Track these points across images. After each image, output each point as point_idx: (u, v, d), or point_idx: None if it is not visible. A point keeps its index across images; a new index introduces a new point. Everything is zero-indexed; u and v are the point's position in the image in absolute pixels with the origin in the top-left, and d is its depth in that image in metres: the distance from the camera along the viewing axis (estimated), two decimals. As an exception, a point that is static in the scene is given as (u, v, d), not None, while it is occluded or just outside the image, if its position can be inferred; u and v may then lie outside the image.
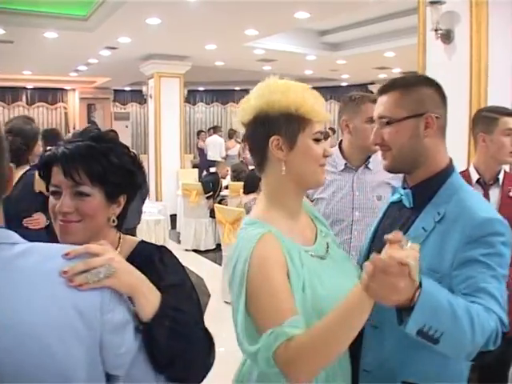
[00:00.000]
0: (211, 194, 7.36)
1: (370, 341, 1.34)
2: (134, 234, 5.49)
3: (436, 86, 1.38)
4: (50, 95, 14.55)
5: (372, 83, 12.43)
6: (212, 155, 11.10)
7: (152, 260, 1.22)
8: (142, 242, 1.33)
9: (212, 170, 8.05)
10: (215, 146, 11.19)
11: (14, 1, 6.28)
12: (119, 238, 1.31)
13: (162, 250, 1.28)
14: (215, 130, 11.85)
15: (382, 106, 1.39)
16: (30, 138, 3.21)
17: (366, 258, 1.42)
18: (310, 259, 1.30)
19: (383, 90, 1.40)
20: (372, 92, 10.93)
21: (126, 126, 15.04)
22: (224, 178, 7.85)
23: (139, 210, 5.39)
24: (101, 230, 1.25)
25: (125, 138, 13.74)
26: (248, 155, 11.10)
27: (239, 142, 11.92)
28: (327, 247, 1.39)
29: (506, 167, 2.51)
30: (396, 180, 2.22)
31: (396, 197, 1.42)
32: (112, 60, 9.42)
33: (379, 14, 7.30)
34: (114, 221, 1.26)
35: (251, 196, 5.44)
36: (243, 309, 1.19)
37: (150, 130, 9.96)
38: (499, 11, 3.44)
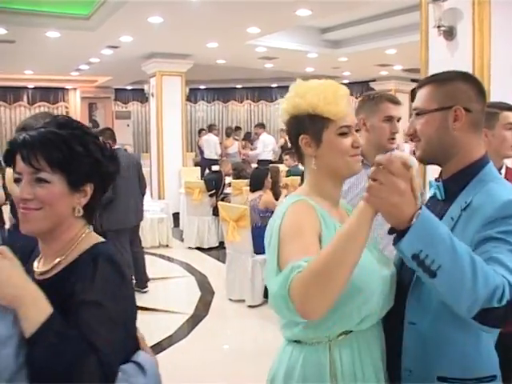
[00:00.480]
0: (214, 191, 7.39)
1: (408, 338, 1.34)
2: (137, 232, 5.48)
3: (473, 82, 1.39)
4: (51, 95, 14.57)
5: (373, 80, 12.40)
6: (208, 154, 11.18)
7: (84, 269, 1.12)
8: (99, 244, 1.21)
9: (215, 168, 8.08)
10: (210, 145, 11.26)
11: (15, 0, 6.29)
12: (82, 233, 1.22)
13: (101, 261, 1.13)
14: (210, 128, 11.95)
15: (417, 99, 1.43)
16: None
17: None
18: None
19: (421, 84, 1.44)
20: (373, 89, 10.92)
21: (128, 125, 15.06)
22: (228, 175, 7.89)
23: (139, 208, 5.33)
24: (64, 220, 1.19)
25: (126, 137, 13.77)
26: (249, 153, 11.15)
27: (237, 140, 11.92)
28: None
29: (508, 162, 2.52)
30: None
31: (432, 191, 1.45)
32: (114, 59, 9.43)
33: (380, 11, 7.32)
34: (79, 211, 1.20)
35: (257, 194, 5.46)
36: (275, 258, 1.24)
37: (151, 128, 9.97)
38: (501, 8, 3.45)
